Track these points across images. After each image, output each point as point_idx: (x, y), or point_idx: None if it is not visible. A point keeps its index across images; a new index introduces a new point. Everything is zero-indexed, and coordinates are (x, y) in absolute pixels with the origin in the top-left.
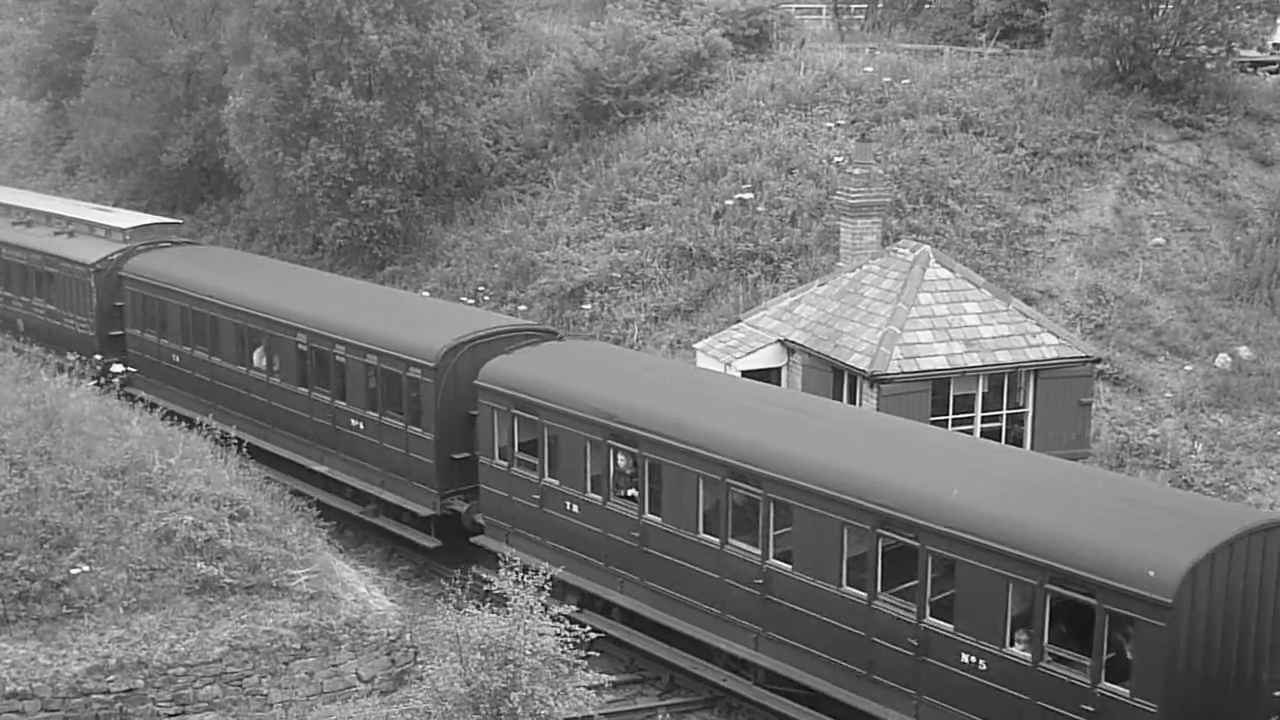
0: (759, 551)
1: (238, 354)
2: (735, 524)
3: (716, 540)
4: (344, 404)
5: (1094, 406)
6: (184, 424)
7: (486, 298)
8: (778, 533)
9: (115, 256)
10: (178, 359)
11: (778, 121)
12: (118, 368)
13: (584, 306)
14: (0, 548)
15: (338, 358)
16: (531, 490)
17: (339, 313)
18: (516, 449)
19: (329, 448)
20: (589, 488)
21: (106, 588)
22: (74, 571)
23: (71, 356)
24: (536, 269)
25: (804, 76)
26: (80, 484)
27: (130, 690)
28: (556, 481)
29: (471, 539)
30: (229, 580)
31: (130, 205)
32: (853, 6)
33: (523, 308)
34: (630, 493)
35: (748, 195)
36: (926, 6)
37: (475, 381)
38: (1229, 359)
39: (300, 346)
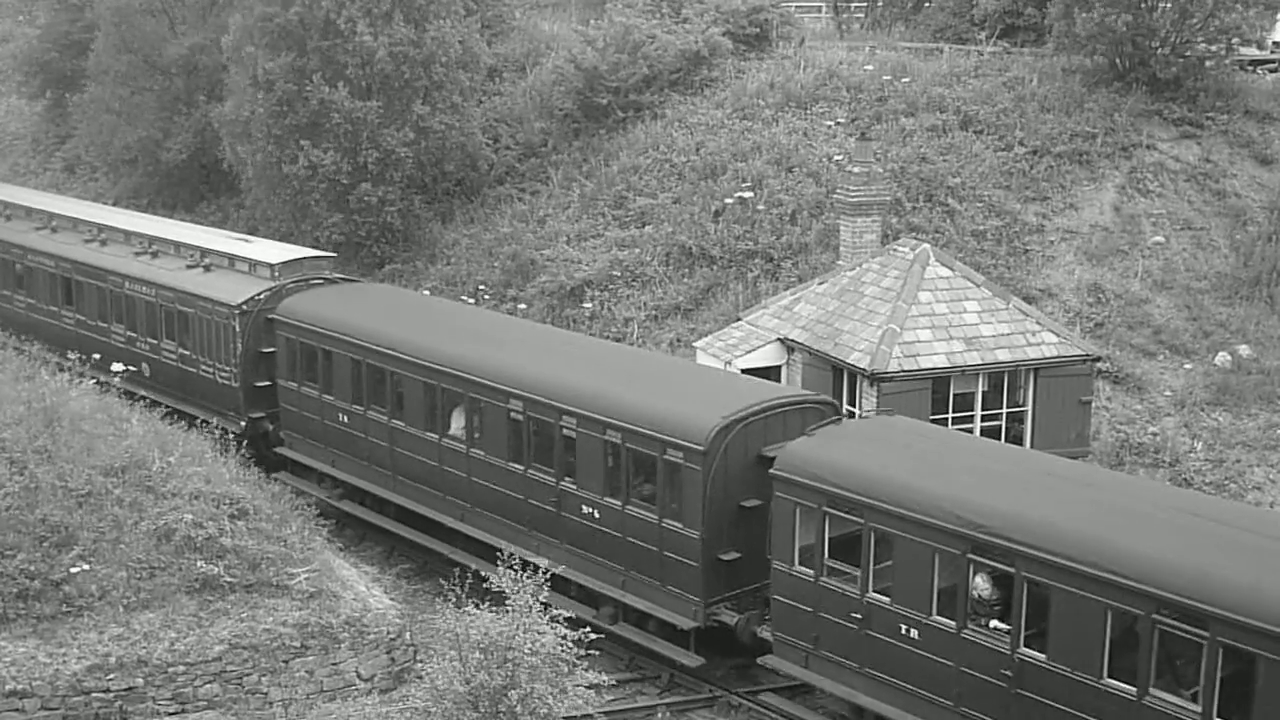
0: (1198, 709)
1: (427, 418)
2: (1159, 670)
3: (1131, 689)
4: (573, 487)
5: (1094, 405)
6: (355, 499)
7: (486, 296)
8: (1228, 687)
9: (263, 296)
10: (345, 419)
11: (777, 120)
12: (117, 366)
13: (584, 305)
14: (0, 546)
15: (565, 431)
16: (848, 607)
17: (568, 375)
18: (826, 555)
19: (549, 537)
20: (935, 609)
21: (106, 586)
22: (74, 570)
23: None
24: (536, 267)
25: (804, 75)
26: (80, 482)
27: (130, 689)
28: (887, 599)
29: (759, 659)
30: (229, 579)
31: (130, 203)
32: (853, 5)
33: (522, 306)
34: (996, 622)
35: (748, 194)
36: (926, 5)
37: (772, 471)
38: (1229, 357)
39: (514, 415)
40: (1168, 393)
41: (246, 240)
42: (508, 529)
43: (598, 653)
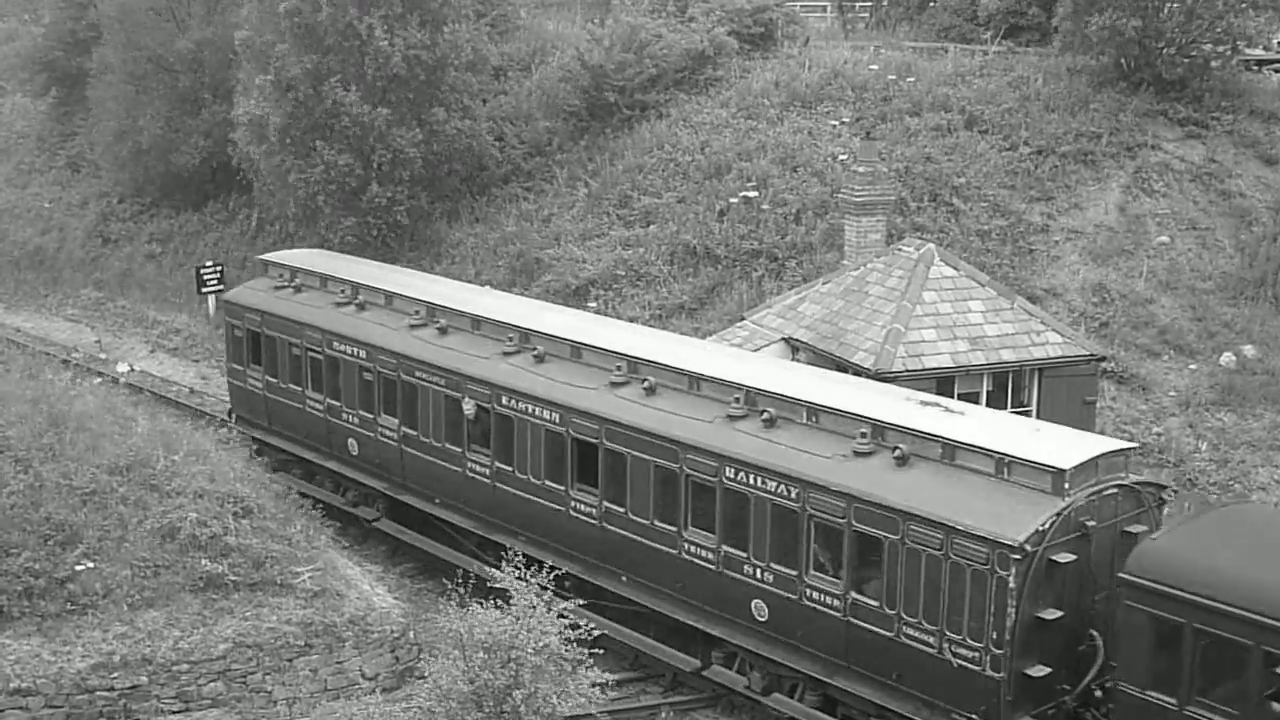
0: None
1: None
2: None
3: None
4: None
5: (1098, 405)
6: None
7: None
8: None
9: (1049, 526)
10: None
11: (782, 119)
12: (122, 367)
13: (589, 304)
14: (5, 544)
15: None
16: None
17: None
18: None
19: None
20: None
21: (111, 584)
22: (78, 568)
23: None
24: (541, 266)
25: (809, 74)
26: (85, 481)
27: (134, 687)
28: None
29: None
30: (233, 577)
31: (134, 202)
32: (857, 4)
33: None
34: None
35: (752, 193)
36: (931, 4)
37: None
38: (1234, 358)
39: None
40: (1172, 393)
41: (949, 410)
42: None
43: (601, 651)
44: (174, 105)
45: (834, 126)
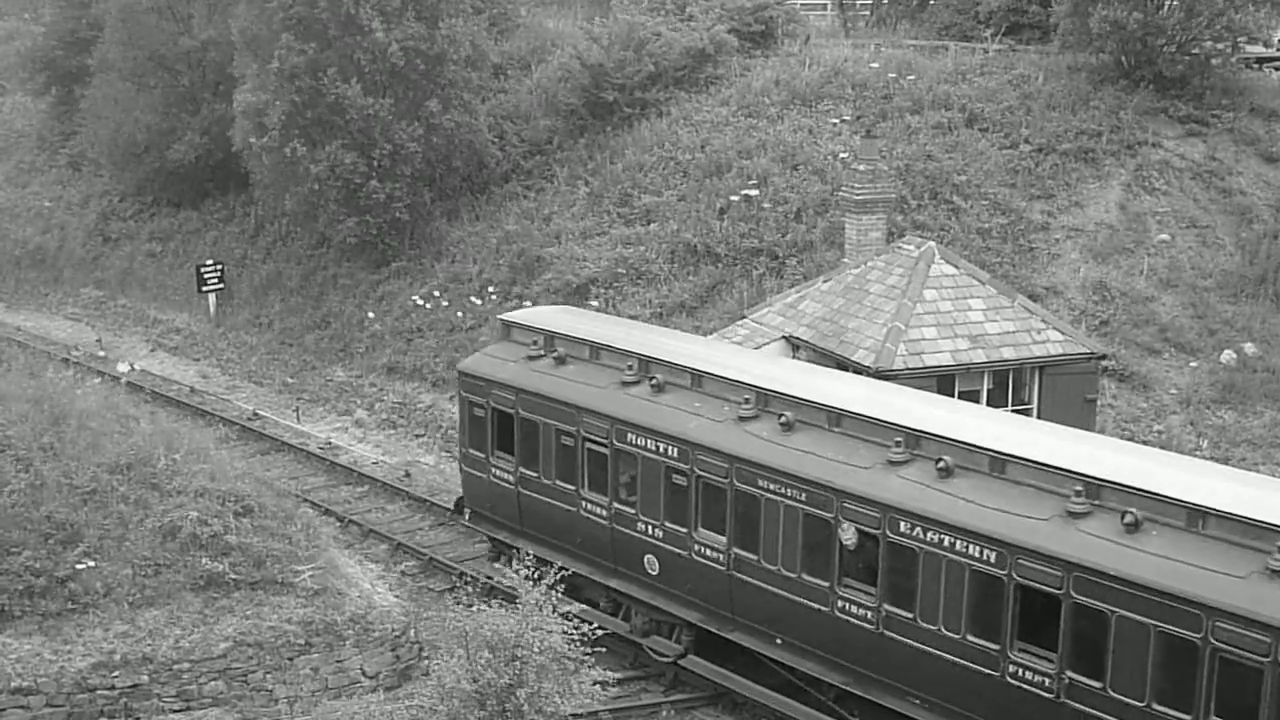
0: None
1: None
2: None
3: None
4: None
5: (1099, 403)
6: None
7: (492, 293)
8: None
9: None
10: None
11: (783, 117)
12: (123, 367)
13: (590, 303)
14: (5, 543)
15: None
16: None
17: None
18: None
19: None
20: None
21: (111, 583)
22: (79, 567)
23: None
24: (542, 265)
25: (809, 72)
26: (85, 480)
27: (135, 686)
28: None
29: None
30: (234, 576)
31: (134, 201)
32: (858, 2)
33: (528, 303)
34: None
35: (753, 191)
36: (931, 3)
37: None
38: (1234, 355)
39: None
40: (1173, 391)
41: None
42: None
43: (603, 649)
44: (172, 102)
45: (834, 124)
